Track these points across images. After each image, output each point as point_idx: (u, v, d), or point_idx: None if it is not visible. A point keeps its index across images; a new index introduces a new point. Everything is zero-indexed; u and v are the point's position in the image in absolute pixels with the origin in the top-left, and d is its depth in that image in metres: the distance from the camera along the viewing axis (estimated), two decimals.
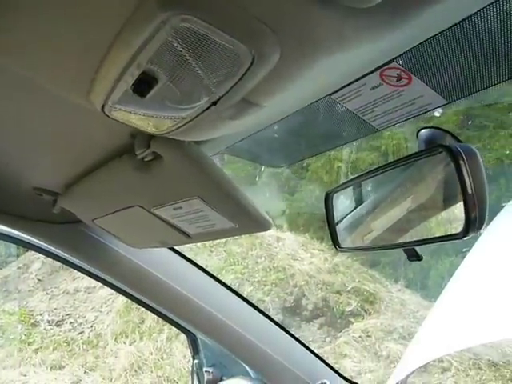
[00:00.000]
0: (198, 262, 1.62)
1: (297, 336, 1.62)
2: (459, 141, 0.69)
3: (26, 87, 0.66)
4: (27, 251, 7.49)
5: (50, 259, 1.67)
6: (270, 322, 1.56)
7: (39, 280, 7.66)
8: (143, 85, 0.48)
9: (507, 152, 6.53)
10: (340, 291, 6.62)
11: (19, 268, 7.90)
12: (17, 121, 0.81)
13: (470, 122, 6.82)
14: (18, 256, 8.09)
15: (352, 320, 6.38)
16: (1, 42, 0.53)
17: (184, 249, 1.50)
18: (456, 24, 0.51)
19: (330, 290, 6.61)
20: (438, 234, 0.75)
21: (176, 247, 1.42)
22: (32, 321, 6.98)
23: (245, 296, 1.59)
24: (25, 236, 1.40)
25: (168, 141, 0.67)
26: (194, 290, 1.42)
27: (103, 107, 0.56)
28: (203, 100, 0.50)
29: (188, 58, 0.43)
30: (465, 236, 0.65)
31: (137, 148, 0.75)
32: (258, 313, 1.55)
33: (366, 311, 6.49)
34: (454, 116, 6.35)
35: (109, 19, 0.44)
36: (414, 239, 0.78)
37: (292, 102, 0.60)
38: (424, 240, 0.76)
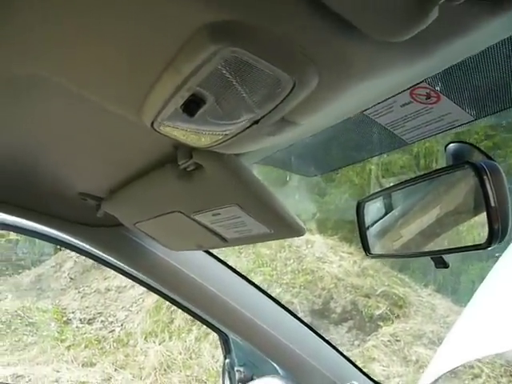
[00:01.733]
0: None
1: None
2: (486, 155, 0.72)
3: (74, 99, 0.71)
4: (60, 250, 7.66)
5: (82, 258, 1.74)
6: (300, 324, 1.60)
7: (71, 279, 7.81)
8: (192, 105, 0.53)
9: None
10: (369, 295, 6.58)
11: (52, 267, 8.07)
12: (65, 130, 0.87)
13: (504, 122, 6.69)
14: (51, 255, 8.26)
15: (381, 324, 6.33)
16: (56, 60, 0.59)
17: (215, 251, 1.55)
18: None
19: (359, 294, 6.58)
20: (463, 244, 0.78)
21: (211, 251, 1.48)
22: (64, 319, 7.11)
23: (275, 298, 1.63)
24: (65, 237, 1.48)
25: (209, 152, 0.71)
26: (228, 291, 1.47)
27: (152, 123, 0.61)
28: (246, 119, 0.55)
29: (235, 83, 0.48)
30: (488, 246, 0.69)
31: (179, 158, 0.80)
32: (288, 314, 1.59)
33: (395, 315, 6.43)
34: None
35: (163, 46, 0.49)
36: (441, 248, 0.82)
37: (327, 120, 0.65)
38: (451, 249, 0.80)
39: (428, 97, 0.61)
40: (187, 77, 0.49)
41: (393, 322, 6.36)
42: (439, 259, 0.79)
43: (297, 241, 6.95)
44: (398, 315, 6.46)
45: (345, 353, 1.67)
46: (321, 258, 6.94)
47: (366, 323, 6.41)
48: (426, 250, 0.85)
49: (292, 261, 6.89)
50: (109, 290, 7.48)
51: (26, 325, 6.99)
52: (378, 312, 6.43)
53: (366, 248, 0.91)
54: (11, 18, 0.51)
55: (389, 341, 6.02)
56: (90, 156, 0.98)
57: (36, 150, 0.97)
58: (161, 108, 0.56)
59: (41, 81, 0.65)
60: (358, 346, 6.10)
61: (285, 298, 6.38)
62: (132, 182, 0.99)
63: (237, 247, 6.71)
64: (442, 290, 6.72)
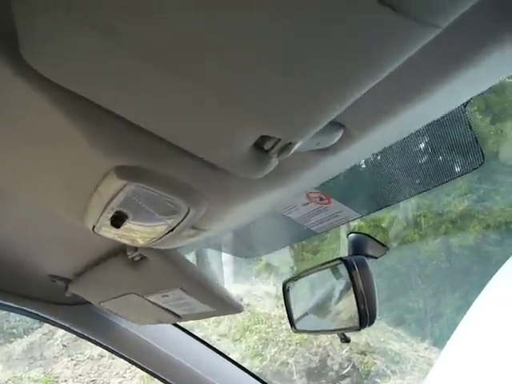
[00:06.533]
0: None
1: None
2: (380, 243, 0.85)
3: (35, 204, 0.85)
4: None
5: None
6: None
7: (64, 346, 7.73)
8: (117, 220, 0.65)
9: None
10: (365, 351, 6.57)
11: (45, 334, 8.00)
12: (32, 224, 1.00)
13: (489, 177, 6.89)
14: (43, 322, 8.18)
15: (378, 381, 6.30)
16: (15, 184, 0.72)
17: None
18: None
19: (355, 351, 6.56)
20: (348, 325, 0.90)
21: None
22: None
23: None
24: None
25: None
26: (195, 361, 1.55)
27: (93, 228, 0.74)
28: (162, 228, 0.67)
29: (144, 206, 0.61)
30: (361, 328, 0.81)
31: (127, 250, 0.93)
32: (256, 380, 1.66)
33: (391, 371, 6.40)
34: None
35: (89, 177, 0.62)
36: (343, 326, 0.93)
37: (234, 223, 0.77)
38: (341, 329, 0.91)
39: (321, 199, 0.73)
40: (108, 201, 0.61)
41: (390, 379, 6.31)
42: (342, 335, 0.91)
43: None
44: (395, 371, 6.42)
45: None
46: None
47: (363, 380, 6.36)
48: (332, 328, 0.97)
49: (286, 319, 6.88)
50: (102, 356, 7.39)
51: None
52: (374, 369, 6.39)
53: (292, 324, 1.03)
54: None
55: None
56: (56, 244, 1.10)
57: (10, 240, 1.10)
58: (96, 219, 0.69)
59: (8, 193, 0.80)
60: None
61: (280, 359, 6.35)
62: (92, 267, 1.11)
63: None
64: (438, 344, 6.69)
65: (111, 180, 0.57)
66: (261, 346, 6.52)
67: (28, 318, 8.07)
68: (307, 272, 0.97)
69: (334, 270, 0.92)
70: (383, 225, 7.25)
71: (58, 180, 0.67)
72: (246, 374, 1.65)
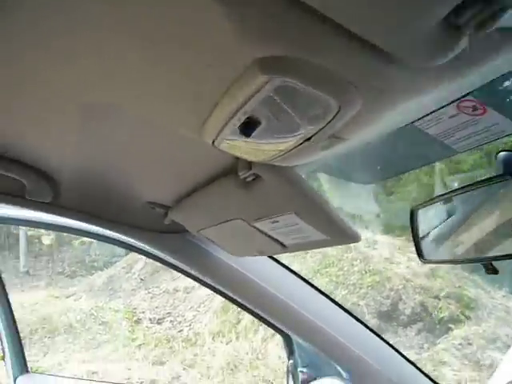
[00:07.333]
0: (294, 264, 1.68)
1: (392, 342, 1.64)
2: None
3: (144, 123, 0.79)
4: (131, 252, 7.94)
5: (151, 260, 1.84)
6: (362, 326, 1.61)
7: (142, 280, 8.08)
8: (248, 127, 0.58)
9: None
10: (439, 296, 6.42)
11: (123, 268, 8.39)
12: (135, 148, 0.94)
13: None
14: (122, 256, 8.59)
15: (452, 326, 6.16)
16: (128, 90, 0.66)
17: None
18: None
19: (429, 295, 6.43)
20: (503, 253, 0.79)
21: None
22: (135, 318, 7.37)
23: (337, 300, 1.65)
24: (134, 242, 1.58)
25: (267, 164, 0.76)
26: (290, 294, 1.51)
27: (213, 141, 0.67)
28: (298, 137, 0.59)
29: (285, 107, 0.52)
30: None
31: (239, 170, 0.85)
32: (349, 316, 1.61)
33: (467, 318, 6.24)
34: None
35: (220, 77, 0.54)
36: (492, 254, 0.82)
37: (375, 133, 0.68)
38: (502, 256, 0.80)
39: (474, 109, 0.63)
40: (242, 103, 0.54)
41: (464, 325, 6.17)
42: (489, 265, 0.80)
43: (363, 241, 6.88)
44: (470, 317, 6.26)
45: (414, 356, 1.65)
46: (388, 258, 6.83)
47: (435, 326, 6.26)
48: (478, 256, 0.86)
49: (359, 261, 6.83)
50: (177, 290, 7.68)
51: (100, 324, 7.29)
52: (448, 314, 6.26)
53: (420, 254, 0.93)
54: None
55: (460, 344, 5.83)
56: (158, 169, 1.05)
57: (111, 165, 1.05)
58: (220, 129, 0.62)
59: (115, 107, 0.73)
60: (428, 349, 5.95)
61: (351, 300, 6.33)
62: (196, 191, 1.06)
63: None
64: None
65: (251, 75, 0.49)
66: (332, 288, 6.51)
67: (107, 252, 8.53)
68: (441, 197, 0.87)
69: (481, 192, 0.81)
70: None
71: (181, 82, 0.59)
72: (341, 310, 1.60)
